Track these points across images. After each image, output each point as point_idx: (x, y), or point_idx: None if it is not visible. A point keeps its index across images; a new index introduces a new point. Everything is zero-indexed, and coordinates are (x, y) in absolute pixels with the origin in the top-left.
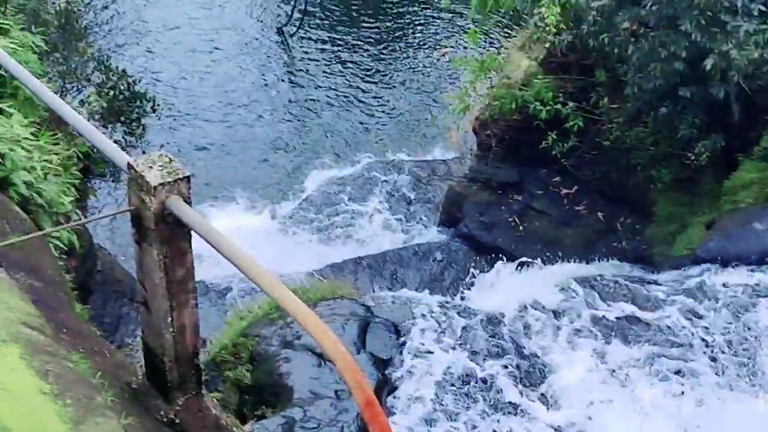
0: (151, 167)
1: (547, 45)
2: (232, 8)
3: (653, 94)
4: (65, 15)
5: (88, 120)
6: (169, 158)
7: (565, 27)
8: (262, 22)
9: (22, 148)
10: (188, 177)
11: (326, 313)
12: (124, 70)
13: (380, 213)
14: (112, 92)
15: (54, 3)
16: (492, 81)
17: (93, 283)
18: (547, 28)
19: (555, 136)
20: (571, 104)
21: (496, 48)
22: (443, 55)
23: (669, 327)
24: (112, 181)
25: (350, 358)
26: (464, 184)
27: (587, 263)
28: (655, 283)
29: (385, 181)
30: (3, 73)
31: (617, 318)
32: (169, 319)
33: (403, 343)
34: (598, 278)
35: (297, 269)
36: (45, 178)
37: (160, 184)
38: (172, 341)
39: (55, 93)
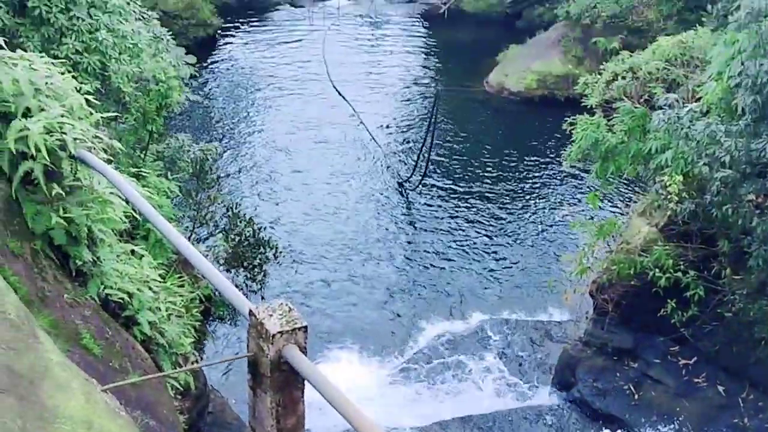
0: (271, 315)
1: (668, 213)
2: (354, 161)
3: None
4: (200, 163)
5: (214, 264)
6: (289, 307)
7: (687, 195)
8: (384, 175)
9: (150, 288)
10: (305, 327)
11: None
12: (251, 218)
13: (491, 372)
14: (238, 238)
15: (189, 151)
16: (610, 245)
17: (204, 425)
18: (669, 196)
19: (674, 305)
20: (691, 273)
21: (616, 212)
22: (563, 217)
23: None
24: (230, 324)
25: None
26: (579, 348)
27: None
28: None
29: (498, 339)
30: (138, 216)
31: None
32: None
33: None
34: None
35: (405, 424)
36: (168, 319)
37: (279, 332)
38: None
39: (186, 236)
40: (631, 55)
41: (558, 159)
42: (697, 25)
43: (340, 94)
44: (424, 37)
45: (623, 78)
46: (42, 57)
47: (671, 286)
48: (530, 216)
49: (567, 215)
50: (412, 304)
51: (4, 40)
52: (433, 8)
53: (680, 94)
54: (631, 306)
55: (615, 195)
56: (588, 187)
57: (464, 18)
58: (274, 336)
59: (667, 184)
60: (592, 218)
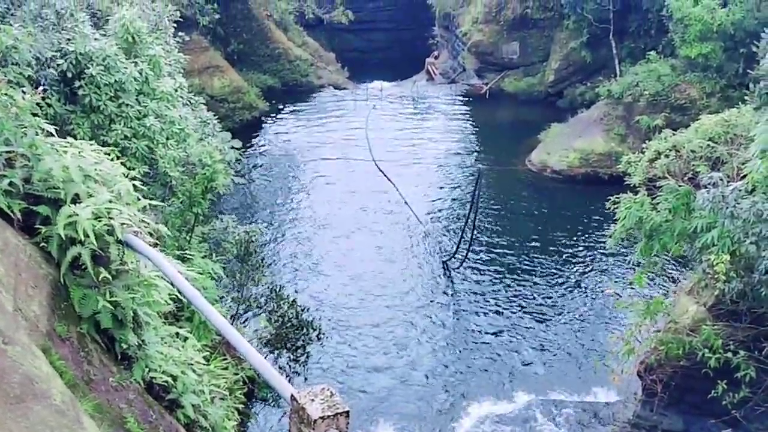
0: (312, 400)
1: (716, 292)
2: (398, 239)
3: None
4: (244, 245)
5: (257, 346)
6: (330, 392)
7: (734, 275)
8: (427, 253)
9: (194, 371)
10: (347, 412)
11: None
12: (294, 300)
13: None
14: (281, 320)
15: (234, 232)
16: (658, 325)
17: None
18: (716, 275)
19: (725, 386)
20: (742, 353)
21: (663, 291)
22: (609, 296)
23: None
24: (274, 405)
25: None
26: (628, 430)
27: None
28: None
29: (545, 421)
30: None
31: None
32: None
33: None
34: None
35: None
36: (212, 402)
37: (321, 417)
38: None
39: (230, 318)
40: (674, 133)
41: (602, 237)
42: (740, 102)
43: (383, 173)
44: (466, 117)
45: (666, 156)
46: (91, 144)
47: (721, 367)
48: (575, 295)
49: (612, 294)
50: (456, 384)
51: (56, 128)
52: (475, 89)
53: (724, 173)
54: (680, 387)
55: (661, 273)
56: (633, 265)
57: (505, 98)
58: (315, 421)
59: (714, 263)
60: (638, 297)
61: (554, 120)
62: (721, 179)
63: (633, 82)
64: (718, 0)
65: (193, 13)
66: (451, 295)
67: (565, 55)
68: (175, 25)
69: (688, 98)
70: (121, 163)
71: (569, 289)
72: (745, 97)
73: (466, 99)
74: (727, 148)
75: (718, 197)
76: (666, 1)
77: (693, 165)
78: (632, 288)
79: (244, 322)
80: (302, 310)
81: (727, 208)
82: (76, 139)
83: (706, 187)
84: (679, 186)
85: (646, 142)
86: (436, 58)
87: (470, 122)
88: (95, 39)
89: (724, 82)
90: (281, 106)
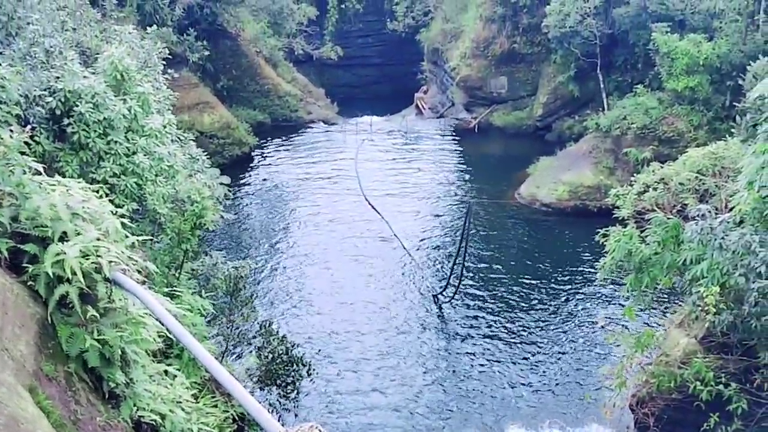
0: None
1: (706, 324)
2: (388, 274)
3: None
4: (233, 281)
5: (247, 383)
6: (319, 430)
7: (724, 306)
8: (417, 287)
9: (182, 409)
10: None
11: None
12: (284, 336)
13: None
14: (271, 356)
15: (223, 269)
16: (649, 357)
17: None
18: (706, 308)
19: (717, 418)
20: (733, 385)
21: (653, 324)
22: (599, 328)
23: None
24: None
25: None
26: None
27: None
28: None
29: None
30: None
31: None
32: None
33: None
34: None
35: None
36: None
37: None
38: None
39: (219, 354)
40: (662, 166)
41: (592, 270)
42: (727, 135)
43: (372, 207)
44: (455, 151)
45: (655, 189)
46: (79, 181)
47: (713, 399)
48: (566, 327)
49: (603, 326)
50: (447, 417)
51: (44, 166)
52: (464, 123)
53: (713, 205)
54: (672, 420)
55: (651, 306)
56: (624, 298)
57: (494, 132)
58: None
59: (704, 295)
60: (627, 329)
61: (543, 153)
62: (710, 211)
63: (621, 116)
64: (704, 34)
65: (182, 50)
66: (442, 328)
67: (553, 89)
68: (164, 62)
69: (676, 131)
70: (110, 200)
71: (560, 321)
72: (732, 130)
73: (456, 133)
74: (715, 181)
75: (706, 229)
76: (652, 35)
77: (681, 197)
78: (622, 321)
79: (234, 359)
80: (292, 346)
81: (715, 240)
82: (64, 176)
83: (694, 220)
84: (668, 218)
85: (635, 174)
86: (425, 92)
87: (459, 156)
88: (84, 77)
89: (711, 115)
90: (271, 142)
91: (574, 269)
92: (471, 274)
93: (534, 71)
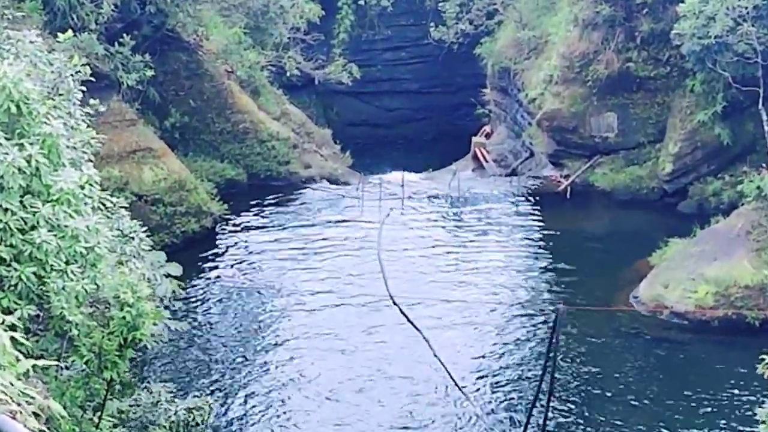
0: None
1: None
2: (430, 421)
3: None
4: (184, 429)
5: None
6: None
7: None
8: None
9: None
10: None
11: None
12: None
13: None
14: None
15: (170, 410)
16: None
17: None
18: None
19: None
20: None
21: None
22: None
23: None
24: None
25: None
26: None
27: None
28: None
29: None
30: None
31: None
32: None
33: None
34: None
35: None
36: None
37: None
38: None
39: None
40: None
41: (749, 416)
42: None
43: (406, 317)
44: (534, 228)
45: None
46: None
47: None
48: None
49: None
50: None
51: None
52: (548, 184)
53: None
54: None
55: None
56: None
57: (596, 197)
58: None
59: None
60: None
61: (674, 233)
62: None
63: None
64: None
65: (113, 69)
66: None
67: (689, 133)
68: (84, 87)
69: None
70: None
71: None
72: None
73: (536, 199)
74: None
75: None
76: None
77: None
78: None
79: None
80: None
81: None
82: None
83: None
84: None
85: None
86: (487, 136)
87: (541, 235)
88: None
89: None
90: (246, 211)
91: (725, 415)
92: (560, 423)
93: (660, 105)
